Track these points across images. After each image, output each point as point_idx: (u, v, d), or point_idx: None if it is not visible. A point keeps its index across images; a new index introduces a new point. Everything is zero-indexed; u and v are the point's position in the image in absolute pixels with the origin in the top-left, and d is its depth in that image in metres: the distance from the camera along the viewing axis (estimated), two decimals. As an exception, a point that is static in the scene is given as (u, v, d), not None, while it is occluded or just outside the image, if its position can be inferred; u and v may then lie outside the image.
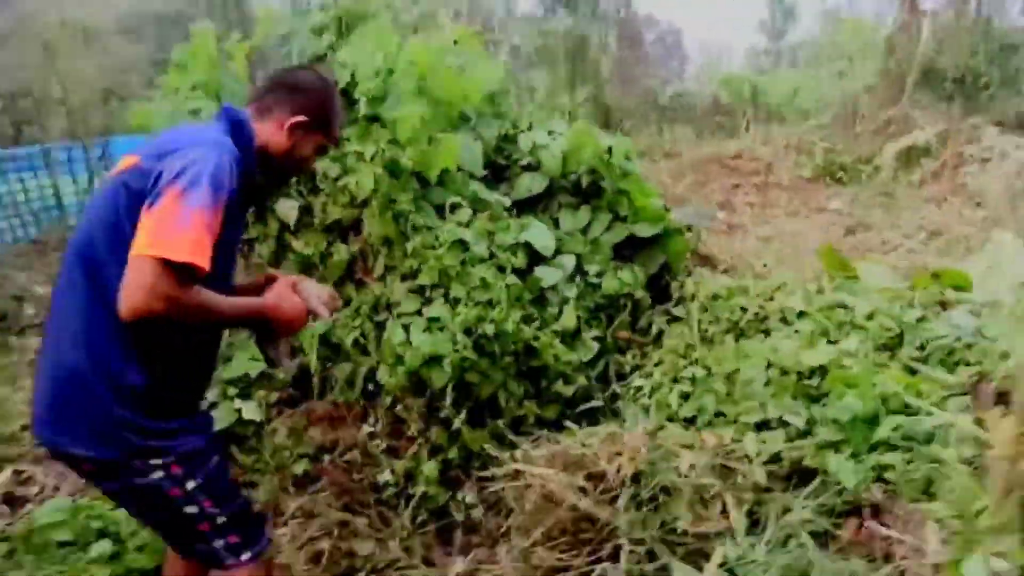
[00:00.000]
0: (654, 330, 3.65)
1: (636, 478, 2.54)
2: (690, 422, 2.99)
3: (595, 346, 3.32)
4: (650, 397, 3.22)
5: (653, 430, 2.63)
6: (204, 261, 1.51)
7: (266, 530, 1.87)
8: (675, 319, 3.67)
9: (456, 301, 3.05)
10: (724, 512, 2.50)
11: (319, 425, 3.22)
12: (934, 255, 6.38)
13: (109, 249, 1.60)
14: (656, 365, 3.41)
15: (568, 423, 3.19)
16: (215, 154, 1.60)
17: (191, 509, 1.73)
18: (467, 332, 3.00)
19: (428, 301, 3.10)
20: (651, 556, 2.39)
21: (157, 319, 1.50)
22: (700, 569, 2.35)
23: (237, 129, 1.77)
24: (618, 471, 2.55)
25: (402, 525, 2.94)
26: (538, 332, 3.13)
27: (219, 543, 1.78)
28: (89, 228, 1.66)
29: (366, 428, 3.15)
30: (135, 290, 1.46)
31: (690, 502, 2.47)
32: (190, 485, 1.72)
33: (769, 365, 2.88)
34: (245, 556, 1.81)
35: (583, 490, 2.47)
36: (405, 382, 2.98)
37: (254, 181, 1.83)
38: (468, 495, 3.02)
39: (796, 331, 3.04)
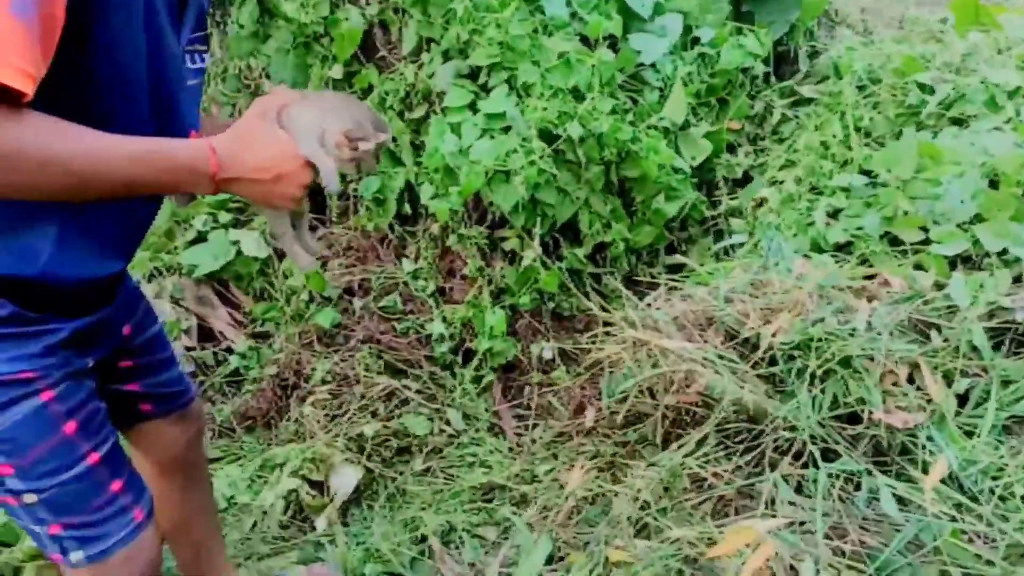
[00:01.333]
0: (774, 118, 2.75)
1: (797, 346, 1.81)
2: (842, 250, 2.21)
3: (708, 146, 2.45)
4: (780, 215, 2.41)
5: (825, 284, 1.85)
6: (16, 76, 0.77)
7: (122, 523, 1.12)
8: (802, 102, 2.75)
9: (526, 90, 2.13)
10: (919, 389, 1.81)
11: (344, 260, 2.46)
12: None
13: None
14: (784, 167, 2.56)
15: (680, 258, 2.43)
16: None
17: None
18: (543, 135, 2.12)
19: (485, 90, 2.18)
20: (826, 456, 1.73)
21: None
22: (898, 475, 1.69)
23: None
24: (773, 335, 1.82)
25: (463, 389, 2.28)
26: (637, 131, 2.25)
27: (36, 528, 1.08)
28: None
29: (406, 264, 2.39)
30: None
31: (879, 378, 1.76)
32: None
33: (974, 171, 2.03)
34: (75, 556, 1.10)
35: (728, 369, 1.75)
36: (460, 206, 2.16)
37: None
38: (545, 349, 2.33)
39: (1009, 120, 2.15)
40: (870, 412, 1.72)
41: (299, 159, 1.00)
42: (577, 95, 2.16)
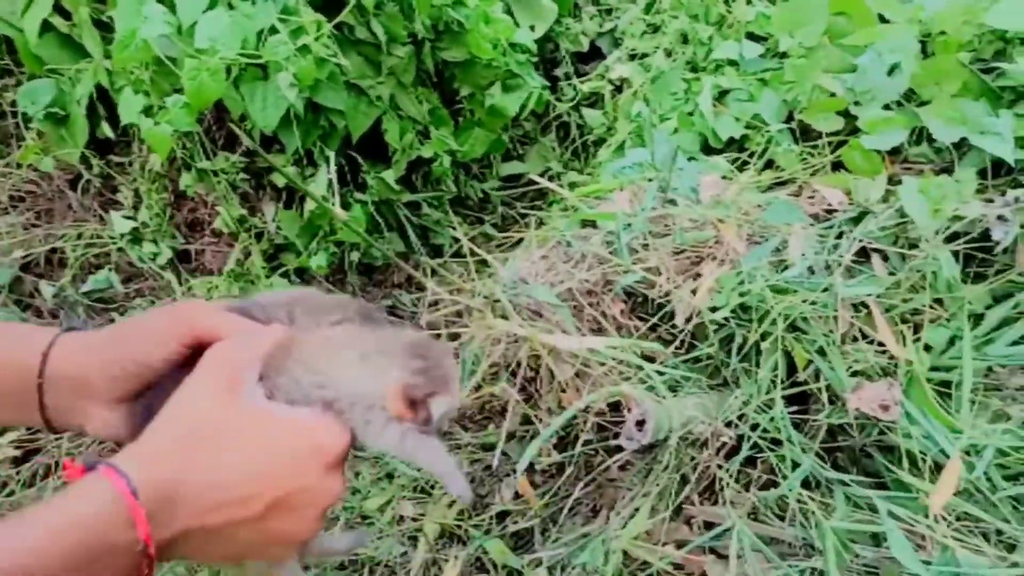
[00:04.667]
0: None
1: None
2: (733, 146, 1.68)
3: (552, 9, 1.76)
4: (650, 101, 1.80)
5: (771, 220, 1.28)
6: None
7: None
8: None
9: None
10: (870, 342, 1.34)
11: (14, 218, 1.54)
12: None
13: None
14: (645, 35, 1.93)
15: (520, 165, 1.79)
16: None
17: None
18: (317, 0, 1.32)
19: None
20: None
21: None
22: (870, 474, 1.24)
23: None
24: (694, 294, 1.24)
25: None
26: (457, -11, 1.50)
27: None
28: None
29: (118, 220, 1.53)
30: None
31: (837, 340, 1.26)
32: None
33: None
34: None
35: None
36: (191, 125, 1.33)
37: None
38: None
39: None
40: (828, 391, 1.24)
41: (332, 455, 0.54)
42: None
